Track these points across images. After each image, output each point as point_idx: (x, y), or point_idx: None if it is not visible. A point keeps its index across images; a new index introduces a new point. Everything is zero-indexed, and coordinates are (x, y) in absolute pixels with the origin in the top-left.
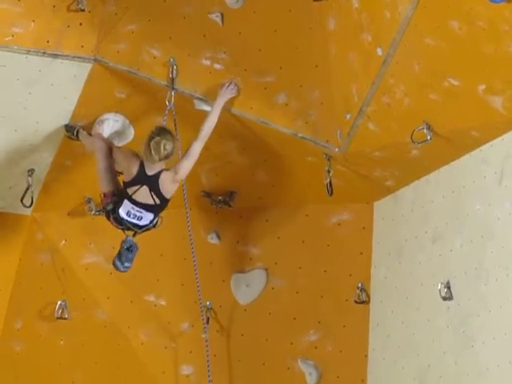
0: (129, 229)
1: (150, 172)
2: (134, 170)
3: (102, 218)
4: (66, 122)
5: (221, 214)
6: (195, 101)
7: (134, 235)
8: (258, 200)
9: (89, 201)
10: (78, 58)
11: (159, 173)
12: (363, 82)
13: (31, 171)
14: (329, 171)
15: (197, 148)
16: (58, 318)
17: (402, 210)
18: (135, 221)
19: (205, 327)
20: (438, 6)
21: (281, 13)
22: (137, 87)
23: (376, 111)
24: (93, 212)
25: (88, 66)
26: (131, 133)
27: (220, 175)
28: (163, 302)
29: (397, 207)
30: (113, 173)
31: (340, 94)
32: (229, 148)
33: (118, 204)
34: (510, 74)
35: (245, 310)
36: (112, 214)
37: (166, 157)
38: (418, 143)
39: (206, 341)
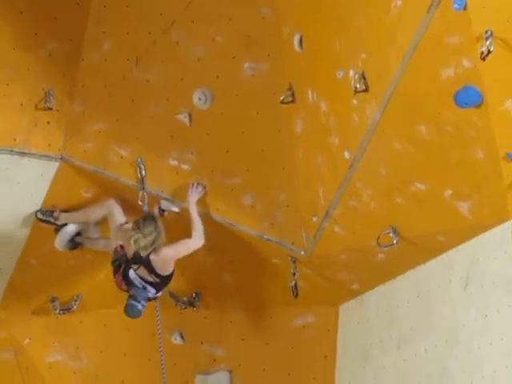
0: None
1: (143, 254)
2: (131, 251)
3: (66, 317)
4: (30, 223)
5: (185, 314)
6: (162, 201)
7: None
8: (222, 301)
9: (53, 299)
10: (45, 156)
11: (148, 256)
12: (330, 185)
13: None
14: (294, 274)
15: (186, 244)
16: None
17: (368, 314)
18: (142, 285)
19: None
20: (406, 110)
21: (248, 115)
22: (103, 187)
23: (342, 214)
24: (57, 311)
25: (55, 165)
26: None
27: (185, 275)
28: None
29: (362, 311)
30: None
31: (307, 197)
32: None
33: (126, 265)
34: (477, 179)
35: None
36: (123, 271)
37: (143, 249)
38: (384, 247)
39: None
